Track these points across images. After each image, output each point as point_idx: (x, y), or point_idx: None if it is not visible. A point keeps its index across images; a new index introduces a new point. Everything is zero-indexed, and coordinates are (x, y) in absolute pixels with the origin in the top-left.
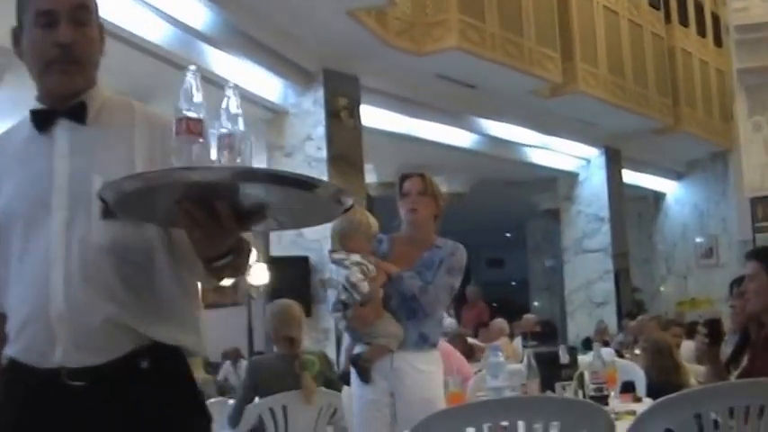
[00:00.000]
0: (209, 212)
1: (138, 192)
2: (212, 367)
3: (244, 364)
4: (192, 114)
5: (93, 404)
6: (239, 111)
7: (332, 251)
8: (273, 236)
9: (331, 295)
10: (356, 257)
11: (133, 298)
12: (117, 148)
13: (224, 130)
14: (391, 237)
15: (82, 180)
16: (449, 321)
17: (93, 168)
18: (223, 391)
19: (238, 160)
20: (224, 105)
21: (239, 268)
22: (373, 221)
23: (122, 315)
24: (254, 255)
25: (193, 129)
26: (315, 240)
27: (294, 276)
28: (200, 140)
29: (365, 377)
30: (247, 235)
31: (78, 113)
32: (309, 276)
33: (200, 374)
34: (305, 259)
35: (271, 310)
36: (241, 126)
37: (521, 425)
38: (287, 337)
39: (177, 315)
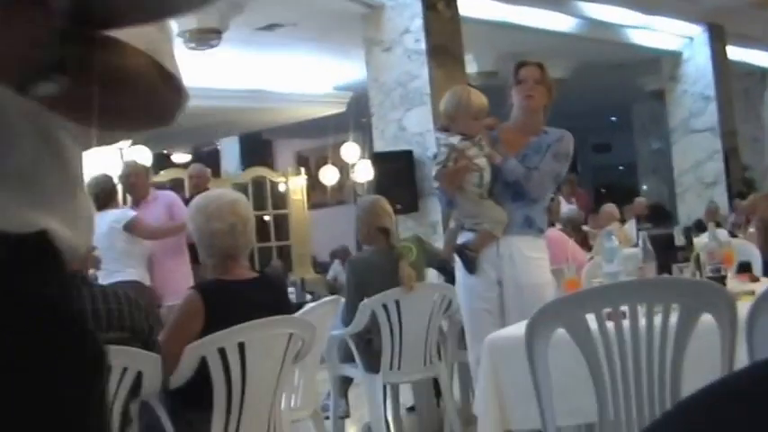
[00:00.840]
0: None
1: None
2: (321, 267)
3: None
4: None
5: None
6: None
7: (437, 128)
8: (376, 131)
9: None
10: (453, 139)
11: None
12: None
13: None
14: (501, 123)
15: None
16: (568, 208)
17: None
18: (333, 290)
19: None
20: None
21: (87, 105)
22: (477, 100)
23: None
24: (356, 151)
25: None
26: (417, 134)
27: (398, 171)
28: None
29: (471, 267)
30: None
31: None
32: (414, 170)
33: (308, 274)
34: (408, 153)
35: (360, 207)
36: None
37: (640, 309)
38: (381, 229)
39: (38, 190)
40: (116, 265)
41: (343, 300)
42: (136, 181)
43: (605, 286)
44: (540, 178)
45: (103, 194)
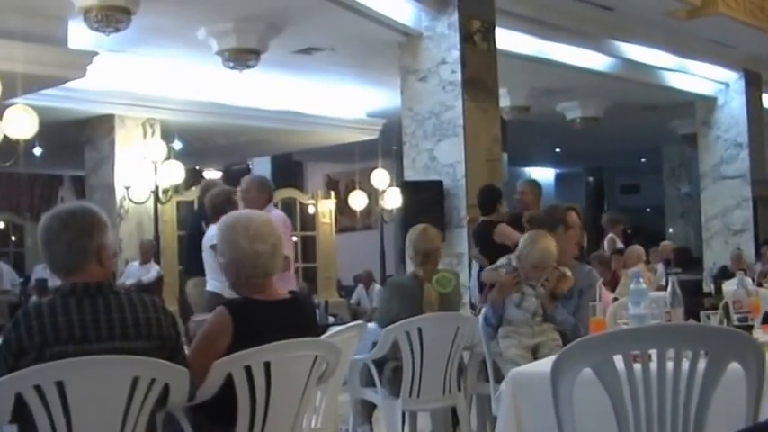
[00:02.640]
0: None
1: None
2: (345, 290)
3: (377, 288)
4: None
5: None
6: None
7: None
8: (407, 160)
9: None
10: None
11: None
12: None
13: None
14: None
15: None
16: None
17: None
18: (356, 314)
19: None
20: None
21: None
22: (537, 253)
23: None
24: (386, 178)
25: None
26: (448, 165)
27: (427, 201)
28: None
29: None
30: None
31: None
32: (443, 201)
33: (332, 297)
34: (439, 183)
35: (411, 230)
36: None
37: (670, 353)
38: (427, 252)
39: None
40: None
41: (369, 325)
42: (250, 197)
43: (635, 329)
44: (583, 330)
45: (216, 209)
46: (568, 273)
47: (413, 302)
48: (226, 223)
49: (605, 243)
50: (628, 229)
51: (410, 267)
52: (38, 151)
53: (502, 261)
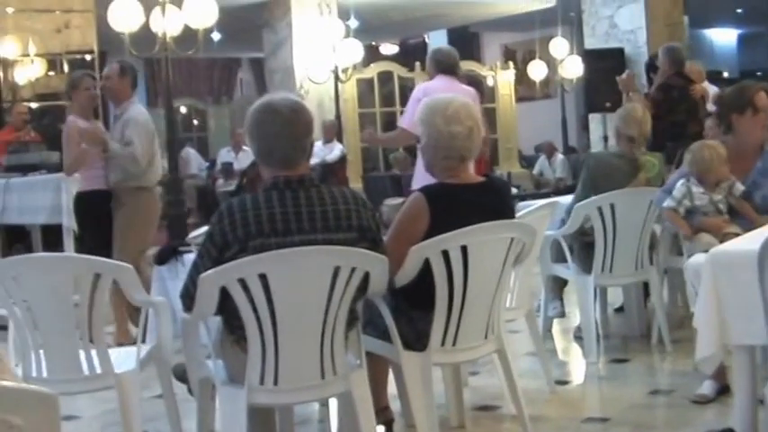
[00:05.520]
0: None
1: None
2: (526, 161)
3: (559, 158)
4: None
5: None
6: None
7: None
8: (587, 28)
9: None
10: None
11: None
12: None
13: None
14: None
15: None
16: None
17: None
18: (539, 184)
19: None
20: None
21: None
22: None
23: None
24: (565, 47)
25: None
26: (629, 31)
27: (608, 68)
28: None
29: None
30: None
31: None
32: (624, 68)
33: (515, 168)
34: (620, 51)
35: (623, 109)
36: None
37: None
38: (627, 137)
39: None
40: None
41: (560, 202)
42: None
43: None
44: None
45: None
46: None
47: (621, 184)
48: (426, 104)
49: None
50: None
51: (612, 143)
52: (216, 36)
53: (679, 188)
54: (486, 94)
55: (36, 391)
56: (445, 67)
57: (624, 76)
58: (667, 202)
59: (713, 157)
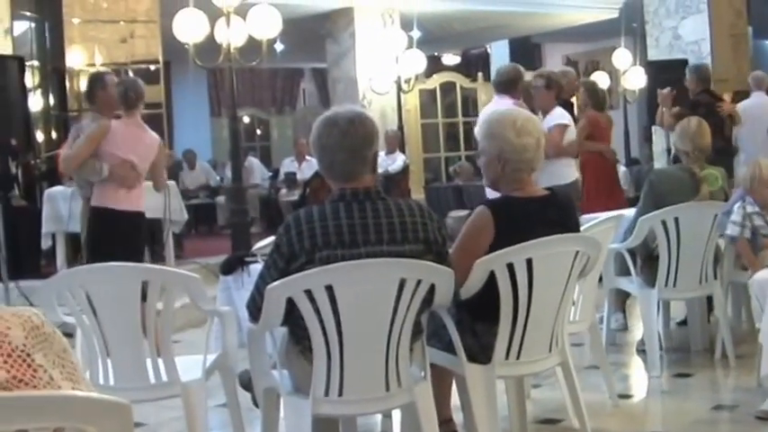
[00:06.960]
0: None
1: None
2: None
3: (622, 169)
4: None
5: None
6: None
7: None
8: (650, 39)
9: None
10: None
11: None
12: None
13: None
14: None
15: None
16: None
17: None
18: None
19: None
20: None
21: None
22: None
23: None
24: (628, 58)
25: None
26: (693, 42)
27: (671, 80)
28: None
29: None
30: None
31: None
32: None
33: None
34: (683, 62)
35: (687, 122)
36: None
37: None
38: (683, 152)
39: None
40: None
41: (625, 215)
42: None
43: None
44: None
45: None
46: None
47: (683, 198)
48: (492, 118)
49: None
50: None
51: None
52: (279, 47)
53: (737, 212)
54: None
55: (111, 401)
56: (497, 86)
57: (665, 91)
58: (731, 229)
59: (755, 176)
